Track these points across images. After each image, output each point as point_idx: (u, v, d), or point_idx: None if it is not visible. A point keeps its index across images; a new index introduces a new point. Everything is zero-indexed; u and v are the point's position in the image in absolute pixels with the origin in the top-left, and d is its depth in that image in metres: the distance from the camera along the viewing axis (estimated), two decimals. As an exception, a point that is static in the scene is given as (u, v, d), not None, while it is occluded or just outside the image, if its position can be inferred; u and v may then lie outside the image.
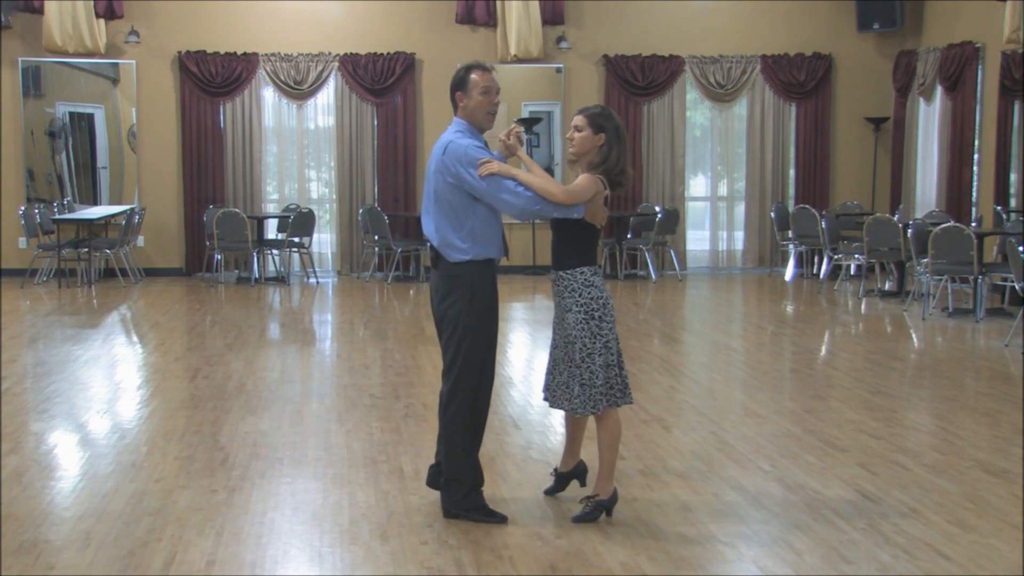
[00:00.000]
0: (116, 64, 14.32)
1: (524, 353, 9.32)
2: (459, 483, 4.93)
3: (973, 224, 12.43)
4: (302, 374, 8.62)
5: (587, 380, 4.85)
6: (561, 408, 5.04)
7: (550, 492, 5.27)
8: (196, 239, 14.32)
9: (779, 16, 15.07)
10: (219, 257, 13.92)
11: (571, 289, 4.87)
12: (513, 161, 4.96)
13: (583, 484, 5.23)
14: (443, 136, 4.88)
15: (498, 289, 5.00)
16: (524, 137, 4.96)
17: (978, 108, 13.25)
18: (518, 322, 10.80)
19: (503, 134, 5.00)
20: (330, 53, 14.40)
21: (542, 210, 4.75)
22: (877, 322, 11.04)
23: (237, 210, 13.48)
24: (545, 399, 5.14)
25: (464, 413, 4.88)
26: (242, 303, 12.21)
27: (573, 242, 4.89)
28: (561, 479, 5.27)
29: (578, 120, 4.91)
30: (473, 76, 4.81)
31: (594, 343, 4.84)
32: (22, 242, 14.02)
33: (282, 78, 14.35)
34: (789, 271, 14.55)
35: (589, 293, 4.85)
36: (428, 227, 4.89)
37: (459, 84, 4.84)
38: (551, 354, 5.08)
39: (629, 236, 14.36)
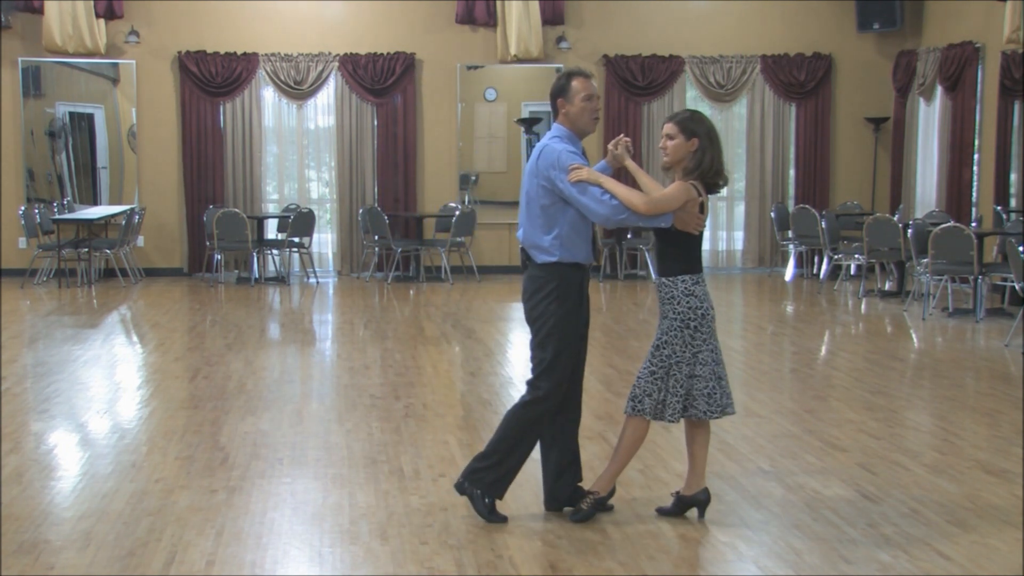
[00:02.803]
0: (116, 64, 14.32)
1: (525, 353, 9.31)
2: (490, 468, 4.91)
3: (973, 224, 12.42)
4: (302, 374, 8.62)
5: (669, 387, 4.79)
6: (629, 411, 4.89)
7: (664, 513, 5.05)
8: (196, 239, 14.31)
9: (779, 16, 15.07)
10: (219, 257, 13.92)
11: (670, 296, 4.82)
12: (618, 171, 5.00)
13: (702, 515, 5.00)
14: (542, 140, 4.97)
15: (588, 298, 4.99)
16: (631, 148, 4.99)
17: (978, 108, 13.24)
18: (519, 322, 10.80)
19: (611, 144, 5.02)
20: (330, 53, 14.40)
21: (627, 219, 4.77)
22: (877, 322, 11.05)
23: (237, 210, 13.48)
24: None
25: (537, 408, 4.88)
26: (242, 303, 12.21)
27: (673, 249, 4.84)
28: (680, 503, 5.04)
29: (669, 128, 4.85)
30: (575, 83, 4.90)
31: (684, 352, 4.79)
32: (22, 242, 14.02)
33: (282, 78, 14.34)
34: (789, 271, 14.54)
35: (688, 303, 4.79)
36: (520, 228, 4.98)
37: (560, 91, 4.92)
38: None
39: (629, 236, 14.35)
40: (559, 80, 4.95)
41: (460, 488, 4.99)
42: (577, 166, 4.78)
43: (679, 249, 4.84)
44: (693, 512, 5.01)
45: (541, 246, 4.87)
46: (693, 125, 4.82)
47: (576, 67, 5.04)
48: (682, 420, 4.93)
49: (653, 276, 5.02)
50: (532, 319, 4.92)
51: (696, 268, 4.86)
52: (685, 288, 4.81)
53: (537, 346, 4.91)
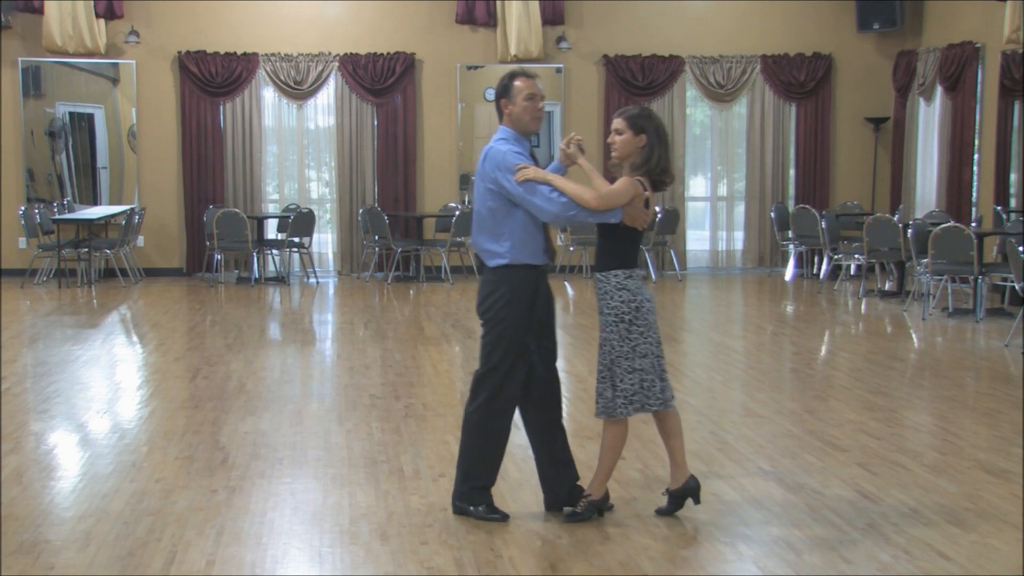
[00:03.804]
0: (116, 64, 14.32)
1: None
2: (463, 480, 4.95)
3: (973, 224, 12.42)
4: (302, 374, 8.62)
5: (615, 383, 4.82)
6: (596, 414, 4.94)
7: (663, 513, 5.05)
8: (196, 239, 14.31)
9: (779, 16, 15.07)
10: (219, 257, 13.91)
11: (604, 291, 4.85)
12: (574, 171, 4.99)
13: (697, 500, 5.01)
14: (488, 143, 4.96)
15: (550, 296, 5.00)
16: (584, 147, 4.97)
17: (978, 108, 13.24)
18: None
19: (563, 143, 5.01)
20: (330, 53, 14.40)
21: (576, 215, 4.77)
22: (877, 322, 11.05)
23: (237, 210, 13.47)
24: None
25: (482, 412, 4.90)
26: (242, 303, 12.21)
27: (612, 244, 4.87)
28: (674, 498, 5.04)
29: (617, 123, 4.87)
30: (517, 83, 4.89)
31: (622, 346, 4.81)
32: (22, 242, 14.02)
33: (282, 78, 14.34)
34: (789, 271, 14.54)
35: (621, 296, 4.81)
36: (472, 233, 4.97)
37: (503, 91, 4.91)
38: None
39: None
40: (502, 80, 4.93)
41: (457, 511, 4.99)
42: (523, 166, 4.76)
43: (619, 244, 4.86)
44: (692, 512, 5.01)
45: (491, 250, 4.85)
46: (642, 121, 4.84)
47: (521, 68, 5.01)
48: (652, 415, 4.95)
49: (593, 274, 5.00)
50: (483, 323, 4.90)
51: (630, 263, 4.88)
52: (618, 282, 4.83)
53: (485, 348, 4.89)
